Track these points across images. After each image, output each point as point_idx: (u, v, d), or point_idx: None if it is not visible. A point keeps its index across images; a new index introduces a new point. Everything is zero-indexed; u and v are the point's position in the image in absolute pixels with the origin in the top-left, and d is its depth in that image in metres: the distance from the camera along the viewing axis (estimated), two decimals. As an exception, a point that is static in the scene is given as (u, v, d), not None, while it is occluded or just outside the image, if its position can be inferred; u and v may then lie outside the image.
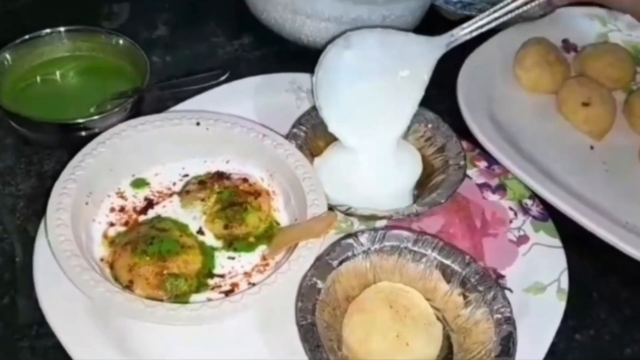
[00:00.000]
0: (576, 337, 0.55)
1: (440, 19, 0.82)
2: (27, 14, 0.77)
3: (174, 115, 0.58)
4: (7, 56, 0.63)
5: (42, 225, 0.53)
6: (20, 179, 0.60)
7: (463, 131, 0.66)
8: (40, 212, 0.56)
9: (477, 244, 0.59)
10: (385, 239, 0.53)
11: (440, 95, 0.71)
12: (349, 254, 0.52)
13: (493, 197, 0.62)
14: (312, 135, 0.62)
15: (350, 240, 0.52)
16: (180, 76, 0.65)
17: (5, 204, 0.58)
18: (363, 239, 0.53)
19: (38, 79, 0.65)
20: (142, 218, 0.54)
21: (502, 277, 0.56)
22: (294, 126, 0.62)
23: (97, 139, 0.55)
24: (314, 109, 0.63)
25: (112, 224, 0.53)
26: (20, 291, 0.52)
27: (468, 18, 0.80)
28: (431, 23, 0.79)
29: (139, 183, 0.56)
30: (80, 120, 0.59)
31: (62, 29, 0.65)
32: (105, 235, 0.52)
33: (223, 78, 0.64)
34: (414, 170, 0.62)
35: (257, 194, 0.55)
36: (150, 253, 0.49)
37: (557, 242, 0.58)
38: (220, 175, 0.56)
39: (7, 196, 0.59)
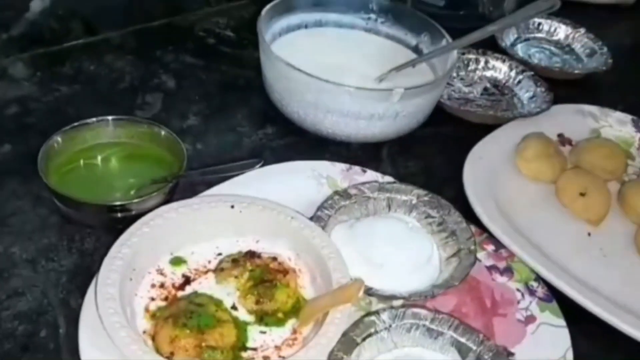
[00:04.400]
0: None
1: (445, 114, 0.90)
2: (66, 104, 0.84)
3: (210, 198, 0.64)
4: (59, 139, 0.68)
5: (86, 299, 0.57)
6: (62, 256, 0.64)
7: (471, 217, 0.71)
8: (81, 287, 0.60)
9: (488, 323, 0.63)
10: (405, 317, 0.57)
11: (449, 185, 0.77)
12: (372, 330, 0.56)
13: (501, 279, 0.67)
14: (334, 218, 0.67)
15: (372, 318, 0.57)
16: (215, 164, 0.71)
17: (49, 279, 0.62)
18: (384, 316, 0.57)
19: (81, 162, 0.70)
20: (180, 294, 0.58)
21: (512, 354, 0.60)
22: (318, 209, 0.67)
23: (143, 219, 0.60)
24: (335, 194, 0.69)
25: (152, 299, 0.57)
26: (64, 361, 0.56)
27: (469, 113, 0.89)
28: (437, 118, 0.87)
29: (177, 261, 0.61)
30: (121, 203, 0.65)
31: (109, 117, 0.72)
32: (147, 309, 0.56)
33: (258, 166, 0.69)
34: (427, 248, 0.66)
35: (285, 272, 0.60)
36: (189, 326, 0.53)
37: (561, 322, 0.63)
38: (252, 255, 0.61)
39: (51, 271, 0.63)
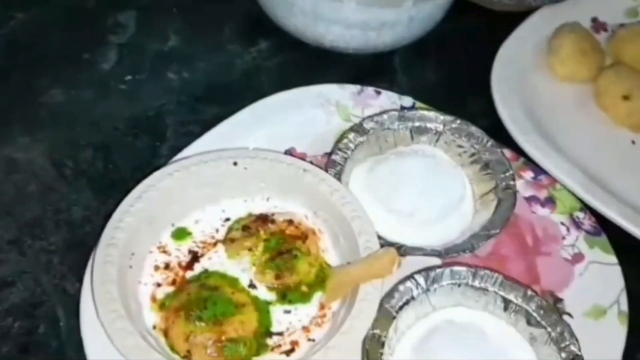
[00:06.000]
0: (638, 358, 0.54)
1: (463, 3, 0.77)
2: (22, 33, 0.72)
3: (209, 157, 0.55)
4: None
5: (84, 283, 0.50)
6: (49, 231, 0.57)
7: (502, 135, 0.63)
8: (76, 268, 0.53)
9: (531, 264, 0.57)
10: (443, 278, 0.51)
11: (476, 95, 0.68)
12: (408, 297, 0.50)
13: (543, 212, 0.60)
14: (351, 160, 0.59)
15: (408, 284, 0.50)
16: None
17: (39, 261, 0.55)
18: (421, 280, 0.51)
19: None
20: (189, 274, 0.51)
21: (560, 300, 0.54)
22: (332, 152, 0.59)
23: (132, 193, 0.52)
24: (350, 130, 0.60)
25: (159, 285, 0.51)
26: (69, 360, 0.50)
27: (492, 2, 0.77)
28: (455, 10, 0.74)
29: (181, 233, 0.53)
30: None
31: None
32: (153, 299, 0.50)
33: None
34: (459, 185, 0.59)
35: (304, 236, 0.53)
36: (205, 319, 0.47)
37: (612, 259, 0.57)
38: (264, 219, 0.53)
39: (40, 252, 0.55)
